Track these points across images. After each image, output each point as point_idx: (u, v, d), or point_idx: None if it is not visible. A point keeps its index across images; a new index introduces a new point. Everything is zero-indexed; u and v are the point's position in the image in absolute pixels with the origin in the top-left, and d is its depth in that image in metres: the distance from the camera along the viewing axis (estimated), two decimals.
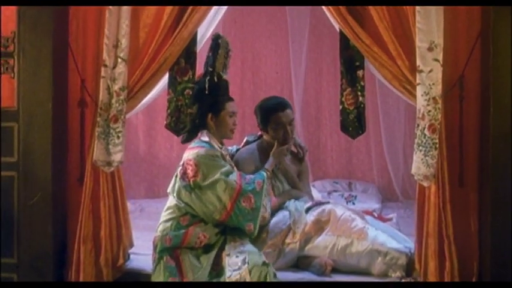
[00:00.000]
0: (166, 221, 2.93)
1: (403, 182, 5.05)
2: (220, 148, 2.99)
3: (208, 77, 2.93)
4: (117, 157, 3.02)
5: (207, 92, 2.92)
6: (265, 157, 3.13)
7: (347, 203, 4.53)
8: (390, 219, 3.63)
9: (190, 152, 2.89)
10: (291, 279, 2.90)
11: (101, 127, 3.01)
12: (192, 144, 2.96)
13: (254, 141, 3.31)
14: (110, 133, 3.01)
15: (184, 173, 2.87)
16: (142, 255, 3.22)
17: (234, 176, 2.85)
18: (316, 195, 3.82)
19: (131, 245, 3.23)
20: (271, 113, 3.11)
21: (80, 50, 3.12)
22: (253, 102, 4.95)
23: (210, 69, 2.94)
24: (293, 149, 3.29)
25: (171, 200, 2.95)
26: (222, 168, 2.85)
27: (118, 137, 3.02)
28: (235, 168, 3.01)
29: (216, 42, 2.99)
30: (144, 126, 5.23)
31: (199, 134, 2.99)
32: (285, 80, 5.26)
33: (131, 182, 5.12)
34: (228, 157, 3.06)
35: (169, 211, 2.94)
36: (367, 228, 2.96)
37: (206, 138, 2.93)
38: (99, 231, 3.07)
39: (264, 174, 2.94)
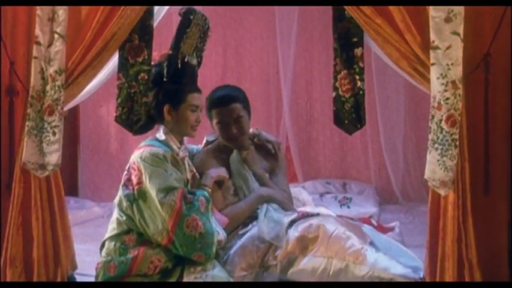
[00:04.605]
0: (110, 239, 2.59)
1: (403, 183, 4.87)
2: (179, 148, 2.65)
3: (166, 62, 2.64)
4: (52, 159, 2.70)
5: (165, 79, 2.64)
6: (222, 160, 2.89)
7: (341, 206, 4.32)
8: (392, 229, 3.40)
9: (136, 153, 2.57)
10: None
11: (32, 120, 2.70)
12: (142, 142, 2.66)
13: (214, 141, 3.04)
14: (44, 128, 2.70)
15: (128, 180, 2.55)
16: (92, 277, 2.78)
17: (174, 196, 2.47)
18: (306, 198, 3.53)
19: (74, 267, 2.88)
20: (213, 107, 2.89)
21: (9, 25, 2.80)
22: None
23: (170, 52, 2.66)
24: (256, 141, 3.05)
25: (115, 213, 2.65)
26: (166, 180, 2.48)
27: (54, 134, 2.70)
28: (194, 172, 2.71)
29: (187, 18, 2.64)
30: None
31: (156, 129, 2.69)
32: (272, 68, 5.04)
33: (101, 183, 5.02)
34: (186, 159, 2.72)
35: (112, 226, 2.63)
36: (366, 250, 2.61)
37: (162, 137, 2.62)
38: (30, 251, 2.75)
39: (205, 192, 2.60)
